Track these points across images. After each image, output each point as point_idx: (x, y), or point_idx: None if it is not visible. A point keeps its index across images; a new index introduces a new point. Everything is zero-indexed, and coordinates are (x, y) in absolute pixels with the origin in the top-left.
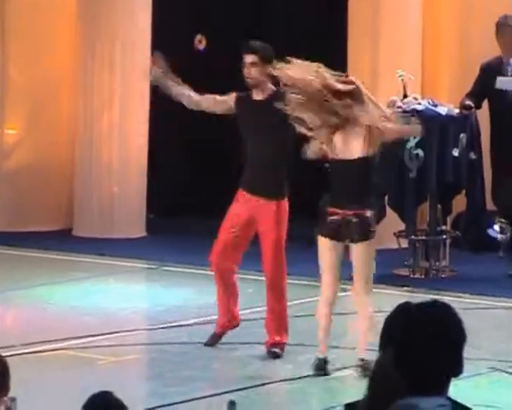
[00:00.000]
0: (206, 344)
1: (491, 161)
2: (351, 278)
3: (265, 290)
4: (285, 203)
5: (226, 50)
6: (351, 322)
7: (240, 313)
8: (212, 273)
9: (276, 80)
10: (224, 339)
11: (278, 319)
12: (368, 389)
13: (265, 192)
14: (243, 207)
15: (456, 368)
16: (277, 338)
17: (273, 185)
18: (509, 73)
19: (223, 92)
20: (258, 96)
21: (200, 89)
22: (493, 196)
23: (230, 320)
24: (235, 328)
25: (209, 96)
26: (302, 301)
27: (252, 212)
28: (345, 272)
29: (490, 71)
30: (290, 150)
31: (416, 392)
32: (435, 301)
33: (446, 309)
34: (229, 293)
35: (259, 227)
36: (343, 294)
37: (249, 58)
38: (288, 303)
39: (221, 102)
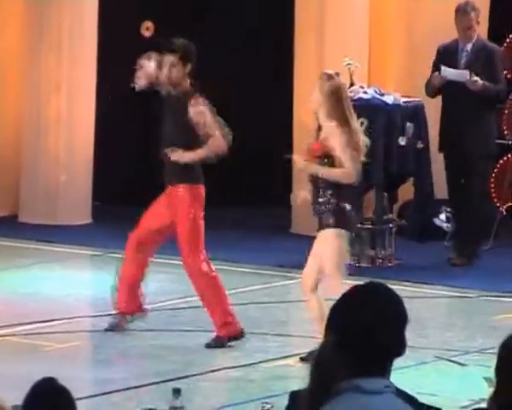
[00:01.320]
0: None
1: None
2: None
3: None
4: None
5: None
6: (295, 310)
7: (186, 300)
8: (155, 261)
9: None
10: (170, 326)
11: None
12: (310, 375)
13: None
14: None
15: (398, 348)
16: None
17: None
18: (463, 59)
19: None
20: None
21: None
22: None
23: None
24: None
25: None
26: (248, 289)
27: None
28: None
29: (445, 53)
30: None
31: (358, 374)
32: (374, 283)
33: (386, 290)
34: None
35: None
36: (290, 282)
37: (170, 58)
38: (235, 291)
39: None
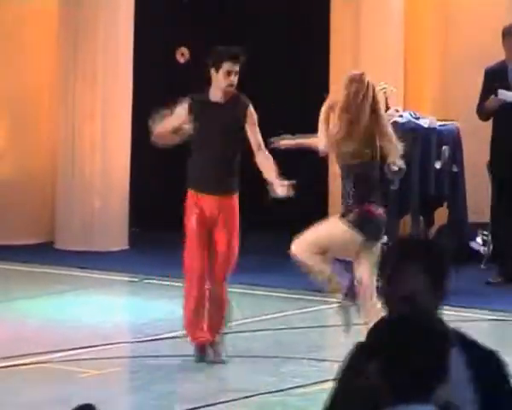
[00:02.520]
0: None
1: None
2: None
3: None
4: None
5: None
6: (331, 334)
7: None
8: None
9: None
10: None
11: None
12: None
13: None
14: None
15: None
16: None
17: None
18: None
19: None
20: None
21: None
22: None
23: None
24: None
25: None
26: (283, 314)
27: None
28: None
29: (494, 76)
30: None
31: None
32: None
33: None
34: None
35: None
36: (324, 306)
37: (237, 67)
38: (271, 316)
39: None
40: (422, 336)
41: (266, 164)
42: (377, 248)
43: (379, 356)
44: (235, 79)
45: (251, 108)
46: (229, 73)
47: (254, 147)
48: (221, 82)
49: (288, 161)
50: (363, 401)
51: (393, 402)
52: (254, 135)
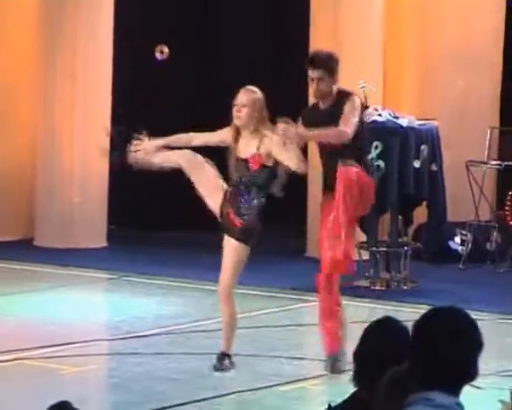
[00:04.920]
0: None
1: None
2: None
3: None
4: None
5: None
6: (309, 333)
7: (200, 323)
8: (170, 284)
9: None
10: (184, 349)
11: None
12: (384, 386)
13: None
14: None
15: (473, 372)
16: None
17: None
18: None
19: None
20: (324, 104)
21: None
22: None
23: None
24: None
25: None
26: (261, 312)
27: None
28: (304, 283)
29: None
30: None
31: (432, 388)
32: (454, 308)
33: (467, 315)
34: None
35: None
36: (302, 305)
37: (316, 73)
38: (249, 314)
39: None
40: None
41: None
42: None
43: None
44: (316, 85)
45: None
46: (311, 80)
47: None
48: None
49: None
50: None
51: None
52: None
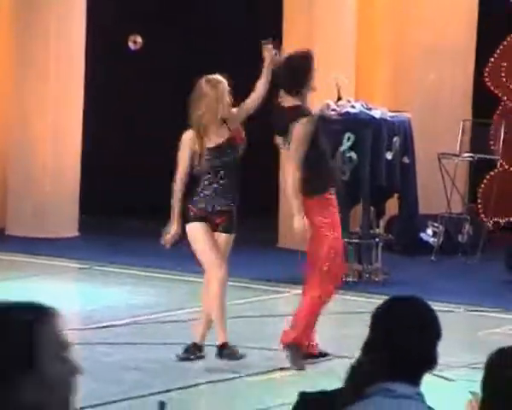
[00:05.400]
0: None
1: None
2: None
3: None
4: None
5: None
6: (281, 324)
7: (171, 313)
8: (142, 274)
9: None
10: (155, 339)
11: None
12: (345, 377)
13: None
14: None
15: (432, 360)
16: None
17: None
18: None
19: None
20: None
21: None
22: None
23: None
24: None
25: None
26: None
27: None
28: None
29: None
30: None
31: (393, 379)
32: (415, 297)
33: (426, 304)
34: None
35: None
36: (275, 296)
37: None
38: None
39: None
40: None
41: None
42: None
43: None
44: None
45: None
46: None
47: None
48: None
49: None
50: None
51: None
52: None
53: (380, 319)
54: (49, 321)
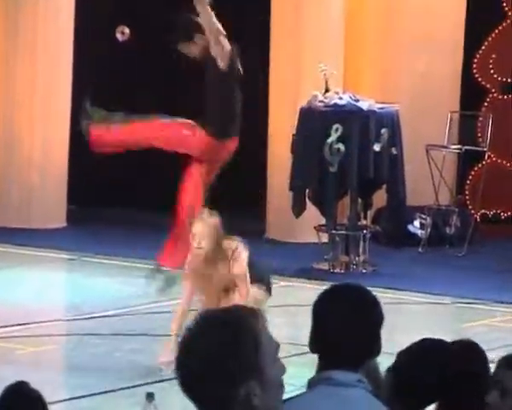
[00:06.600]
0: None
1: None
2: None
3: None
4: None
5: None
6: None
7: (160, 304)
8: (130, 265)
9: None
10: (144, 330)
11: None
12: None
13: None
14: None
15: (373, 348)
16: None
17: None
18: None
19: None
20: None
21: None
22: None
23: None
24: None
25: None
26: None
27: None
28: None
29: None
30: None
31: (331, 367)
32: (352, 284)
33: (363, 290)
34: None
35: None
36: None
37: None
38: None
39: None
40: None
41: None
42: None
43: None
44: None
45: None
46: None
47: None
48: None
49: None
50: None
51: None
52: None
53: (318, 309)
54: (263, 323)
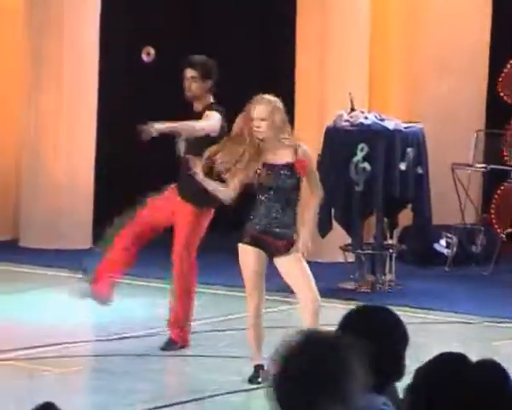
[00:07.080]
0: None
1: None
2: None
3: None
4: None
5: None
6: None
7: (193, 324)
8: (157, 286)
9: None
10: (171, 351)
11: None
12: None
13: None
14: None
15: (397, 371)
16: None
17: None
18: None
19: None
20: (197, 108)
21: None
22: None
23: None
24: None
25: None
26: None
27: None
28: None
29: None
30: None
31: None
32: (376, 306)
33: (387, 311)
34: None
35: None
36: (286, 307)
37: (189, 73)
38: (236, 316)
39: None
40: None
41: None
42: None
43: None
44: (189, 85)
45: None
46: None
47: None
48: None
49: None
50: None
51: None
52: None
53: (346, 328)
54: (353, 348)
